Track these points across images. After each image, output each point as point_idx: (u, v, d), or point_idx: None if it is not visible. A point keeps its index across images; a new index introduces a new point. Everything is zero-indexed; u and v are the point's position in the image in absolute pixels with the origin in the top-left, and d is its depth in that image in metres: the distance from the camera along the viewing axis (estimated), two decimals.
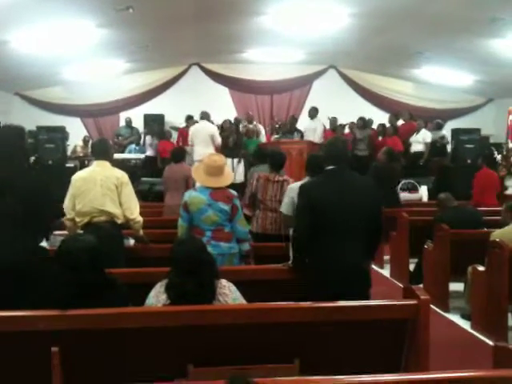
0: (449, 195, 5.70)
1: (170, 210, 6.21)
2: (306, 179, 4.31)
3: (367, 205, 3.15)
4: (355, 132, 10.86)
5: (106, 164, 4.20)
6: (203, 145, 8.82)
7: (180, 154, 6.72)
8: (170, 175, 6.56)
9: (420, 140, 10.57)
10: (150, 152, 11.26)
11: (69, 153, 11.07)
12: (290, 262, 3.38)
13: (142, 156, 11.09)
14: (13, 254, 2.94)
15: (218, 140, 9.12)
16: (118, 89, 12.63)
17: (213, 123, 9.72)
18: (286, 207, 4.36)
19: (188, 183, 6.24)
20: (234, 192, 3.97)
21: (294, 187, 4.24)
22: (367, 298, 3.10)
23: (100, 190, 4.00)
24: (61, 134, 10.26)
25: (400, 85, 13.20)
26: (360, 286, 3.13)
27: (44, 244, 3.63)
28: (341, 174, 3.22)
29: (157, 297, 2.69)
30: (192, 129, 9.42)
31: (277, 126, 11.50)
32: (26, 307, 2.51)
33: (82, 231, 3.95)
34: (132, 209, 4.10)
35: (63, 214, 4.10)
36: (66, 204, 4.08)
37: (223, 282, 2.74)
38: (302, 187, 3.34)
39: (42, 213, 3.17)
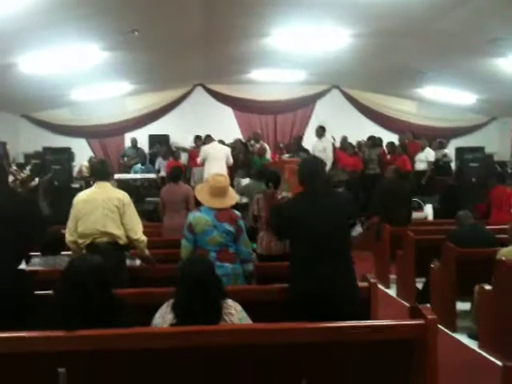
0: (468, 213, 5.68)
1: (170, 231, 6.10)
2: None
3: (343, 221, 3.17)
4: (364, 151, 10.91)
5: (107, 185, 4.22)
6: (216, 164, 8.67)
7: (178, 172, 6.56)
8: (167, 195, 6.35)
9: (423, 159, 10.59)
10: (163, 173, 11.32)
11: (74, 173, 11.15)
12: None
13: (151, 176, 11.10)
14: (6, 279, 2.94)
15: (231, 160, 9.15)
16: (123, 110, 12.74)
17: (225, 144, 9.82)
18: None
19: (188, 203, 6.14)
20: (237, 213, 3.97)
21: None
22: (354, 314, 2.95)
23: (101, 212, 4.02)
24: (67, 155, 10.35)
25: (403, 104, 13.25)
26: (343, 304, 3.06)
27: (23, 266, 3.61)
28: (314, 194, 3.24)
29: (162, 317, 2.69)
30: (205, 149, 9.25)
31: (281, 145, 11.55)
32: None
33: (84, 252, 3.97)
34: (135, 229, 4.11)
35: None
36: (69, 226, 4.09)
37: (229, 301, 2.74)
38: (276, 208, 3.39)
39: (29, 236, 3.16)
